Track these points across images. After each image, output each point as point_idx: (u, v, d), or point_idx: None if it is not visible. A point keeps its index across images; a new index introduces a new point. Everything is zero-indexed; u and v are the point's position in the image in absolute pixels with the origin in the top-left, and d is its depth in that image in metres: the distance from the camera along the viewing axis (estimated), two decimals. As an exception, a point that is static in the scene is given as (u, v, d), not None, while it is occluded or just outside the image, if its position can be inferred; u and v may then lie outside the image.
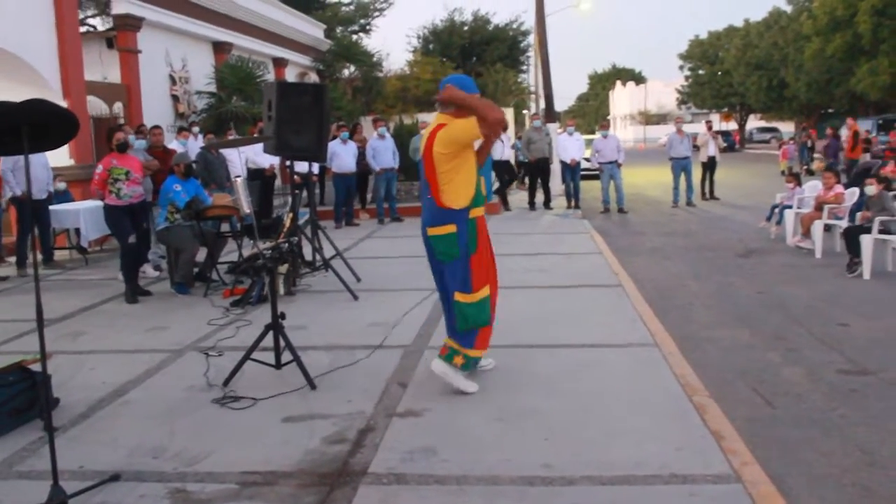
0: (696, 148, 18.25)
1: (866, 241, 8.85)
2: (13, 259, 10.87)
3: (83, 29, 15.65)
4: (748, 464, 3.83)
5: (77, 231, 11.46)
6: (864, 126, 29.48)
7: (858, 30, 31.45)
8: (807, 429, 4.63)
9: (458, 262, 4.90)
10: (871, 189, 9.07)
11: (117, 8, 15.75)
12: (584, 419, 4.50)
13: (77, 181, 12.64)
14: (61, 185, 11.96)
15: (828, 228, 10.53)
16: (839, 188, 10.72)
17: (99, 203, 9.01)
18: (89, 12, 17.88)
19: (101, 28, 17.94)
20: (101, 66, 16.15)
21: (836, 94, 39.19)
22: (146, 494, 3.74)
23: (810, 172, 25.69)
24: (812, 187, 11.83)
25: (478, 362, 5.16)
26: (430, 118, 19.51)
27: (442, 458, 4.00)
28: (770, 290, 8.51)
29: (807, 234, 10.79)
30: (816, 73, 38.45)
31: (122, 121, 15.28)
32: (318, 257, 8.78)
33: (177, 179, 8.71)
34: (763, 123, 62.63)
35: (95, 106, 14.68)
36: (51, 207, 11.07)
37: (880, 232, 8.88)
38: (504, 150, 16.49)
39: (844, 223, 10.08)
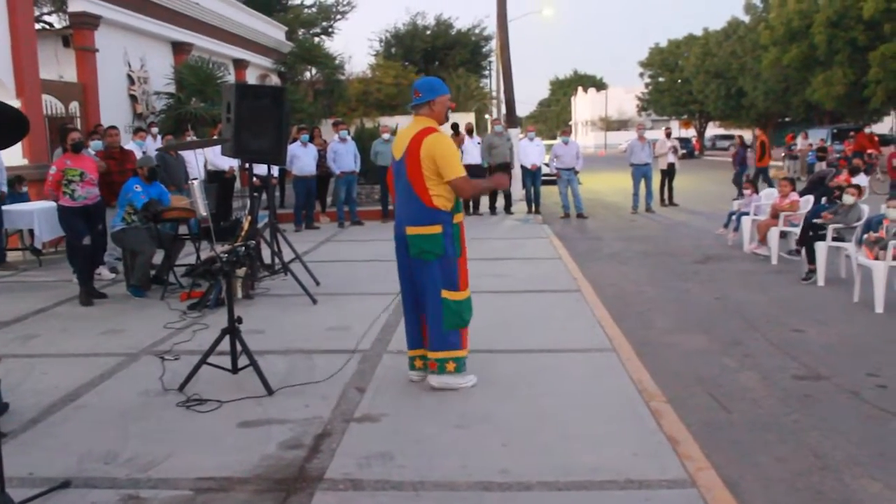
0: (656, 157, 18.44)
1: (821, 248, 9.00)
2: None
3: (38, 26, 15.38)
4: (703, 469, 3.87)
5: (31, 232, 11.24)
6: (820, 135, 30.07)
7: (814, 41, 32.09)
8: (761, 433, 4.69)
9: (443, 260, 4.99)
10: (850, 199, 9.21)
11: (74, 6, 15.49)
12: (541, 424, 4.50)
13: (31, 181, 12.40)
14: (23, 191, 11.79)
15: (783, 235, 10.68)
16: (794, 196, 10.89)
17: (53, 204, 8.85)
18: (45, 9, 17.60)
19: (57, 26, 17.68)
20: (57, 65, 15.89)
21: (793, 103, 39.89)
22: (97, 502, 3.67)
23: (767, 180, 26.07)
24: (768, 195, 12.01)
25: (465, 361, 5.21)
26: (392, 122, 19.62)
27: (399, 464, 3.98)
28: (727, 296, 8.61)
29: (763, 240, 10.95)
30: (773, 82, 39.14)
31: (78, 121, 15.03)
32: (276, 261, 8.71)
33: (139, 181, 8.59)
34: (722, 131, 63.51)
35: (51, 105, 14.42)
36: (3, 207, 10.86)
37: (834, 239, 9.03)
38: (475, 153, 16.50)
39: (799, 230, 10.23)
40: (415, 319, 5.23)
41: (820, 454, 4.36)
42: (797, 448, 4.46)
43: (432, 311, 5.03)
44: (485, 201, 16.84)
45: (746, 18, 45.49)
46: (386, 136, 15.26)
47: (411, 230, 4.98)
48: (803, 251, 9.49)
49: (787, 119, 47.19)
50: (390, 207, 15.35)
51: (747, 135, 53.69)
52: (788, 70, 35.93)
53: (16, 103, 12.28)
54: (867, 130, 26.33)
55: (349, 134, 15.73)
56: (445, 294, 5.00)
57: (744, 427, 4.82)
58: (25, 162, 12.76)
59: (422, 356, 5.23)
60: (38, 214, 10.72)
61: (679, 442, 4.18)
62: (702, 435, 4.49)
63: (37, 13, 15.72)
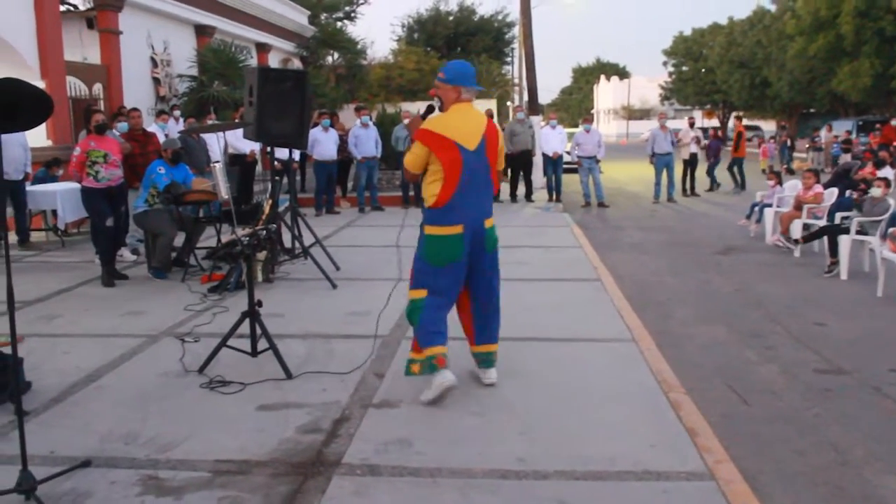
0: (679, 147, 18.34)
1: (844, 241, 8.91)
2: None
3: (63, 8, 15.44)
4: (722, 461, 3.84)
5: (54, 213, 11.34)
6: (845, 127, 29.74)
7: (841, 31, 31.62)
8: (781, 427, 4.66)
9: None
10: (878, 191, 9.12)
11: (98, -12, 15.55)
12: (559, 413, 4.50)
13: (53, 165, 12.49)
14: (59, 173, 11.89)
15: (806, 228, 10.59)
16: (818, 188, 10.78)
17: (76, 185, 8.91)
18: (70, -9, 17.67)
19: (81, 7, 17.73)
20: (81, 47, 15.95)
21: (818, 95, 39.42)
22: (117, 481, 3.70)
23: (790, 171, 25.85)
24: (792, 186, 11.89)
25: None
26: (413, 107, 19.56)
27: (416, 450, 3.99)
28: (748, 287, 8.55)
29: (786, 232, 10.86)
30: (799, 72, 38.65)
31: (101, 102, 15.11)
32: (297, 245, 8.73)
33: (163, 163, 8.63)
34: (745, 122, 62.97)
35: (75, 86, 14.50)
36: (28, 188, 10.95)
37: (858, 233, 8.94)
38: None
39: (823, 222, 10.14)
40: (445, 315, 4.85)
41: (840, 449, 4.32)
42: (817, 442, 4.43)
43: (494, 306, 4.98)
44: (505, 189, 16.78)
45: (772, 7, 44.98)
46: (407, 121, 15.23)
47: (489, 222, 4.85)
48: (815, 243, 9.40)
49: (811, 110, 46.67)
50: (410, 193, 15.36)
51: (770, 126, 53.43)
52: (814, 60, 35.46)
53: (40, 84, 12.36)
54: (893, 122, 25.99)
55: (371, 119, 15.71)
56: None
57: (763, 420, 4.79)
58: (50, 143, 12.85)
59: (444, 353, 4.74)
60: (61, 195, 10.80)
61: (698, 434, 4.16)
62: (721, 427, 4.47)
63: (62, -6, 15.78)
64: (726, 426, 4.58)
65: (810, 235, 9.95)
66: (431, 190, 4.67)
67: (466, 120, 4.72)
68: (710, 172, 20.03)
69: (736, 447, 4.21)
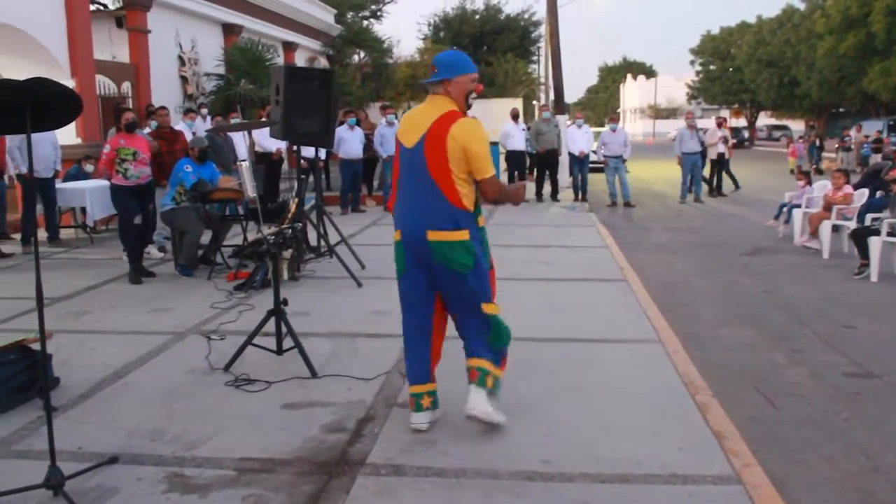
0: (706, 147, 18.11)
1: (875, 243, 8.79)
2: (19, 236, 10.87)
3: (93, 7, 15.58)
4: (749, 465, 3.80)
5: (83, 210, 11.47)
6: (875, 127, 29.37)
7: (872, 29, 31.25)
8: (810, 431, 4.60)
9: (477, 271, 4.11)
10: None
11: (128, -13, 15.70)
12: (585, 415, 4.47)
13: (84, 159, 12.63)
14: (89, 168, 11.99)
15: (836, 229, 10.46)
16: (848, 189, 10.64)
17: (105, 182, 8.99)
18: (100, -10, 17.83)
19: (111, 7, 17.89)
20: (111, 45, 16.11)
21: (848, 94, 39.01)
22: (143, 478, 3.72)
23: (819, 171, 25.57)
24: (821, 187, 11.75)
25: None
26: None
27: (441, 451, 3.98)
28: (776, 289, 8.46)
29: (815, 234, 10.74)
30: (828, 71, 38.25)
31: (130, 101, 15.24)
32: (322, 243, 8.75)
33: (190, 161, 8.69)
34: (773, 121, 62.45)
35: (104, 85, 14.63)
36: (58, 186, 11.07)
37: (889, 234, 8.82)
38: (520, 139, 16.42)
39: (853, 224, 10.01)
40: (423, 347, 4.27)
41: (871, 455, 4.26)
42: (847, 447, 4.36)
43: (475, 325, 4.22)
44: (531, 188, 16.74)
45: (802, 6, 44.58)
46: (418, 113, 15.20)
47: (436, 236, 4.04)
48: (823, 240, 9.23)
49: (841, 110, 46.18)
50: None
51: (799, 126, 52.92)
52: (844, 59, 35.09)
53: (70, 83, 12.49)
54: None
55: (397, 118, 15.72)
56: (488, 309, 4.20)
57: (792, 424, 4.73)
58: (79, 141, 12.98)
59: (430, 391, 4.28)
60: (90, 193, 10.92)
61: (725, 437, 4.11)
62: (748, 431, 4.41)
63: (91, -6, 15.93)
64: (754, 430, 4.52)
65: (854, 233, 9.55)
66: None
67: (418, 113, 4.25)
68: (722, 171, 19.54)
69: (763, 451, 4.16)
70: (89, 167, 12.00)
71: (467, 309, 4.19)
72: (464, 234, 4.06)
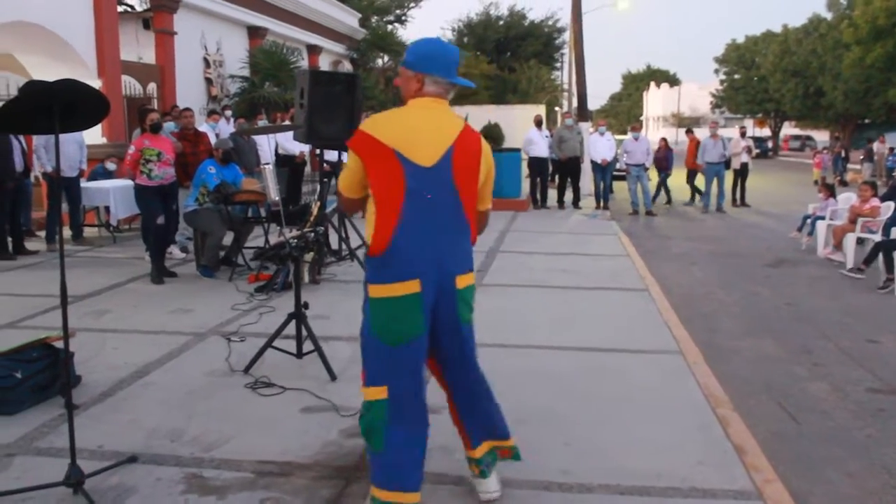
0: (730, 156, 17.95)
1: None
2: (43, 234, 10.97)
3: (120, 8, 15.74)
4: (771, 481, 3.76)
5: (107, 209, 11.56)
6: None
7: (900, 40, 31.00)
8: (832, 447, 4.55)
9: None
10: None
11: (155, -11, 15.84)
12: (604, 425, 4.44)
13: (106, 158, 12.75)
14: (111, 166, 12.08)
15: (860, 242, 10.36)
16: (875, 201, 10.54)
17: (129, 182, 9.06)
18: (128, -8, 18.02)
19: (138, 8, 18.07)
20: (137, 47, 16.27)
21: (874, 105, 38.67)
22: (162, 478, 3.73)
23: (843, 183, 25.36)
24: (846, 199, 11.65)
25: None
26: (463, 111, 19.30)
27: (458, 458, 3.94)
28: (798, 301, 8.39)
29: (838, 246, 10.64)
30: (854, 82, 37.98)
31: (155, 101, 15.36)
32: (343, 246, 8.77)
33: (214, 163, 8.74)
34: (797, 131, 62.01)
35: (130, 85, 14.76)
36: (82, 185, 11.17)
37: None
38: (542, 146, 16.38)
39: (877, 237, 9.91)
40: (422, 431, 3.33)
41: (894, 472, 4.21)
42: (870, 465, 4.31)
43: (485, 388, 3.51)
44: (553, 195, 16.73)
45: (829, 15, 44.24)
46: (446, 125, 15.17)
47: (464, 280, 3.27)
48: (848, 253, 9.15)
49: (866, 121, 45.78)
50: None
51: (823, 136, 52.52)
52: (871, 70, 34.81)
53: (97, 83, 12.60)
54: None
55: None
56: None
57: (813, 439, 4.68)
58: (104, 140, 13.09)
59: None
60: (114, 192, 11.02)
61: (746, 452, 4.07)
62: (769, 445, 4.38)
63: (119, -5, 16.10)
64: (775, 444, 4.48)
65: (869, 257, 9.54)
66: (368, 228, 3.25)
67: (425, 121, 3.22)
68: (663, 182, 19.30)
69: (785, 466, 4.12)
70: (111, 165, 12.09)
71: (476, 367, 3.46)
72: (473, 277, 3.36)
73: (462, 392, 3.46)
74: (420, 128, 3.18)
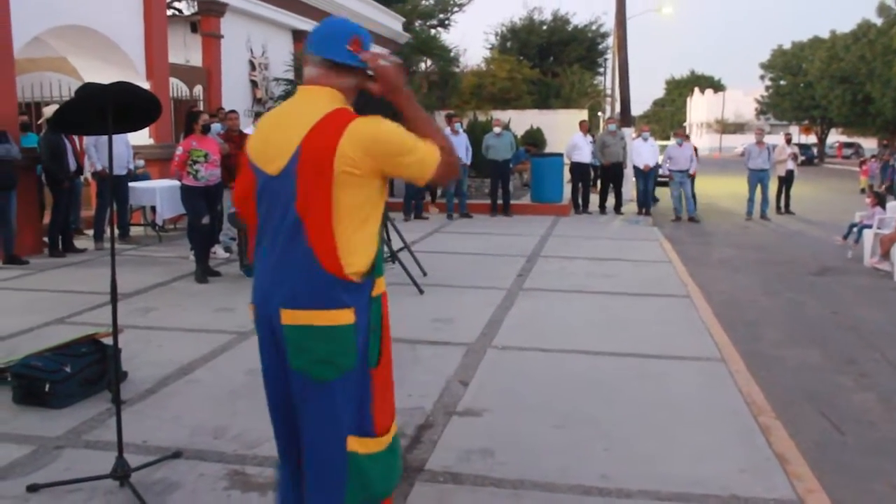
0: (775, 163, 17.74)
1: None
2: (91, 232, 11.19)
3: (169, 12, 16.00)
4: (813, 491, 3.72)
5: (153, 209, 11.76)
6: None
7: (952, 47, 30.36)
8: (877, 459, 4.48)
9: (350, 378, 2.61)
10: None
11: (203, -7, 16.08)
12: (644, 431, 4.42)
13: (155, 160, 12.97)
14: (140, 163, 12.29)
15: (908, 251, 10.17)
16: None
17: (176, 182, 9.21)
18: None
19: (186, 12, 18.33)
20: (185, 50, 16.50)
21: (924, 113, 37.94)
22: (205, 474, 3.80)
23: (891, 191, 24.89)
24: (894, 208, 11.45)
25: None
26: (505, 115, 19.49)
27: (499, 461, 3.98)
28: (844, 310, 8.26)
29: (886, 255, 10.46)
30: (904, 89, 37.25)
31: (201, 104, 15.59)
32: (385, 249, 8.81)
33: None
34: (844, 138, 61.00)
35: (177, 88, 14.99)
36: (130, 184, 11.37)
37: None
38: (586, 151, 16.29)
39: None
40: (293, 480, 2.79)
41: (941, 485, 4.13)
42: (916, 477, 4.24)
43: (326, 471, 2.61)
44: (595, 200, 16.66)
45: (879, 21, 43.46)
46: (497, 129, 15.24)
47: (292, 317, 2.51)
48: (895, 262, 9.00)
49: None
50: (499, 202, 15.38)
51: (870, 144, 51.60)
52: (922, 77, 34.16)
53: (146, 85, 12.82)
54: None
55: (462, 127, 15.78)
56: (355, 446, 2.62)
57: (858, 450, 4.61)
58: (151, 141, 13.32)
59: None
60: (160, 192, 11.20)
61: (789, 461, 4.03)
62: (812, 455, 4.32)
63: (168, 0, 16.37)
64: (818, 454, 4.42)
65: None
66: None
67: (285, 117, 2.65)
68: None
69: (828, 477, 4.06)
70: (140, 161, 12.29)
71: (325, 444, 2.61)
72: (345, 316, 2.52)
73: (308, 468, 2.65)
74: (277, 125, 2.62)
